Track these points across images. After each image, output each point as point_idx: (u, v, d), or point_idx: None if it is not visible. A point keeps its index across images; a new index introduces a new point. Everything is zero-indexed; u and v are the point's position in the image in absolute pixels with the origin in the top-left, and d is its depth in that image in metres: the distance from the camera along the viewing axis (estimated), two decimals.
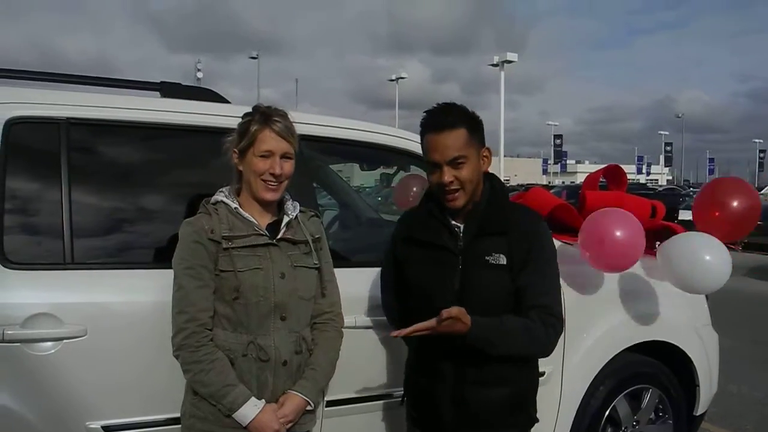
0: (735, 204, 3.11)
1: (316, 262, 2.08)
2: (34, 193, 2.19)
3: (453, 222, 2.05)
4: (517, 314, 1.96)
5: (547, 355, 2.06)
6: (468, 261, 2.00)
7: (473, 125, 1.98)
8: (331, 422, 2.43)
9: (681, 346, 3.27)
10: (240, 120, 2.03)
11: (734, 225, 3.14)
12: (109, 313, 2.12)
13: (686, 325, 3.34)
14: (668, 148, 71.21)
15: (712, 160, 78.26)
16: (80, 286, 2.12)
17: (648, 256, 3.25)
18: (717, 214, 3.17)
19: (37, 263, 2.12)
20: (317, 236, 2.12)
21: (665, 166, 74.36)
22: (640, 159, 72.72)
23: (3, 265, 2.04)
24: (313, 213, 2.18)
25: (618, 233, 2.74)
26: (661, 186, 47.92)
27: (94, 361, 2.08)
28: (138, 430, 2.15)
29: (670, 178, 79.10)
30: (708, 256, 2.89)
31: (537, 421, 2.17)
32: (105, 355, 2.10)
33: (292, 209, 2.09)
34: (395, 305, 2.23)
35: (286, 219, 2.05)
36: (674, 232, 3.52)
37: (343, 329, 2.18)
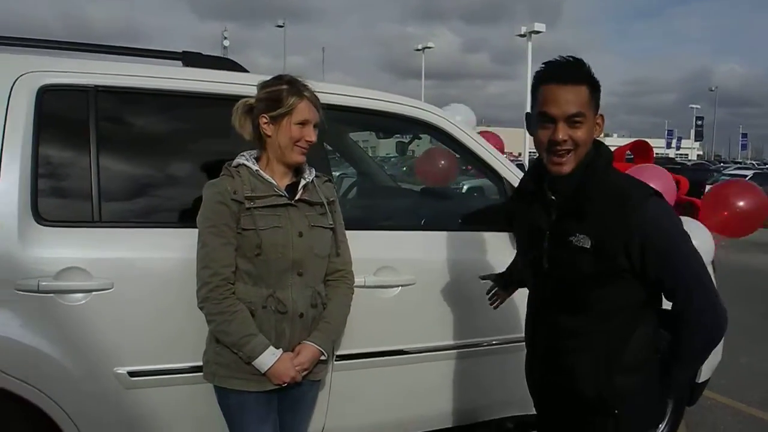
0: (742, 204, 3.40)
1: (331, 222, 2.22)
2: (64, 157, 2.34)
3: (550, 193, 1.89)
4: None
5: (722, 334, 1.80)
6: (554, 239, 1.86)
7: (596, 86, 1.78)
8: (339, 375, 2.58)
9: None
10: (265, 88, 2.14)
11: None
12: (134, 267, 2.27)
13: None
14: (699, 123, 69.74)
15: (745, 135, 76.60)
16: (107, 243, 2.27)
17: None
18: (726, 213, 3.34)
19: (67, 221, 2.27)
20: (331, 199, 2.26)
21: (696, 141, 72.94)
22: (670, 133, 71.35)
23: (37, 223, 2.20)
24: (327, 178, 2.32)
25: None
26: (690, 161, 47.14)
27: (120, 312, 2.25)
28: (160, 376, 2.32)
29: (701, 153, 77.62)
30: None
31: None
32: (130, 306, 2.25)
33: (309, 173, 2.22)
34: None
35: (303, 182, 2.18)
36: (695, 207, 3.61)
37: (354, 287, 2.33)
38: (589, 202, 1.78)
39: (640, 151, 3.99)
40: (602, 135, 1.92)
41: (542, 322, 1.97)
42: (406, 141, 4.60)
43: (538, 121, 1.79)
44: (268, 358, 2.06)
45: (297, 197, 2.15)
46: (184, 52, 2.69)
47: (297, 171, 2.22)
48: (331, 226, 2.22)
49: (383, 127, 3.80)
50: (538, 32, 22.12)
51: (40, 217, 2.21)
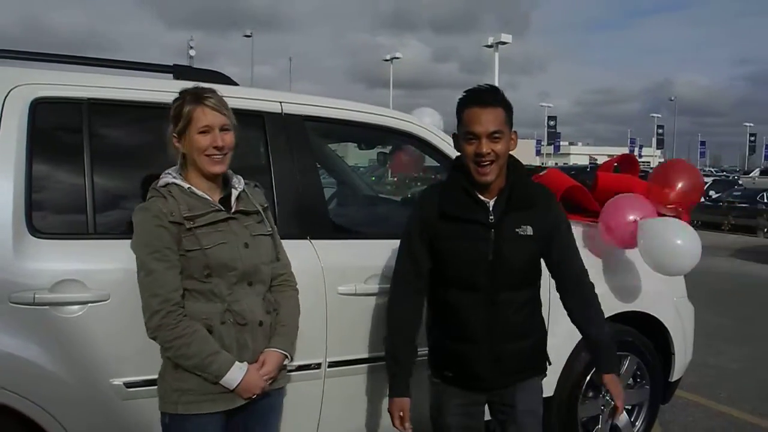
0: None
1: (269, 229, 2.21)
2: (58, 169, 2.35)
3: (482, 198, 2.21)
4: (560, 283, 2.34)
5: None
6: (500, 233, 2.18)
7: (509, 109, 2.18)
8: (331, 381, 2.63)
9: (657, 317, 3.49)
10: (171, 107, 2.10)
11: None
12: (130, 279, 2.27)
13: (663, 297, 3.56)
14: (660, 131, 71.49)
15: (703, 143, 78.66)
16: (102, 255, 2.29)
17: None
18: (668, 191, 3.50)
19: (62, 233, 2.28)
20: (265, 205, 2.23)
21: (657, 149, 74.64)
22: (633, 141, 72.89)
23: (32, 235, 2.20)
24: (255, 184, 2.27)
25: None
26: (652, 168, 48.18)
27: (117, 324, 2.26)
28: (155, 386, 2.32)
29: (662, 160, 79.34)
30: (679, 240, 3.07)
31: (550, 363, 2.45)
32: (127, 318, 2.23)
33: (238, 183, 2.17)
34: (411, 279, 2.31)
35: (235, 192, 2.13)
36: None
37: (343, 295, 2.38)
38: (532, 199, 2.24)
39: (626, 163, 4.18)
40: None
41: (482, 308, 2.22)
42: (387, 152, 4.68)
43: (465, 138, 2.15)
44: (237, 373, 2.00)
45: (234, 209, 2.11)
46: (174, 65, 2.73)
47: (225, 183, 2.16)
48: (270, 233, 2.20)
49: (365, 139, 3.87)
50: (504, 43, 22.48)
51: (35, 229, 2.22)
